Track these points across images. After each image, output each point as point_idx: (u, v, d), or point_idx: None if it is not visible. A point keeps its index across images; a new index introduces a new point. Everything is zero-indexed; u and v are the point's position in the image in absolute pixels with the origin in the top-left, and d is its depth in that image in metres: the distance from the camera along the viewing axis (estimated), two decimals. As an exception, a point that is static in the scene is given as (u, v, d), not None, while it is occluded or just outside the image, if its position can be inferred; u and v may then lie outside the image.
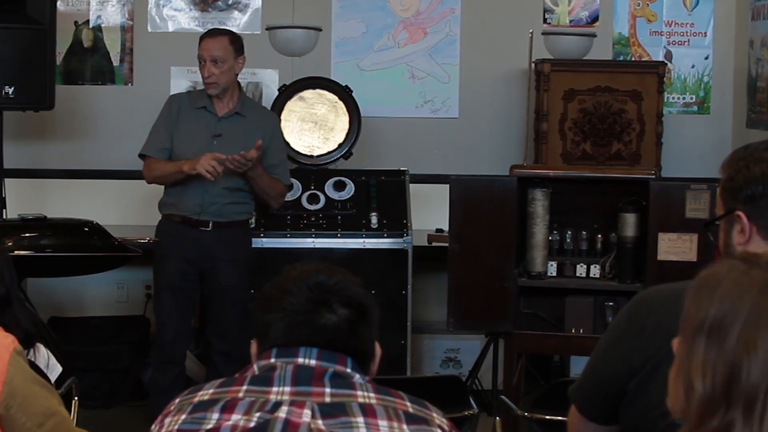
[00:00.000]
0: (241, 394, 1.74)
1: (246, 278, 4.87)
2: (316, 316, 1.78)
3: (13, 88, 4.99)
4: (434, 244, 5.46)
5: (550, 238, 4.21)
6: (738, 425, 1.28)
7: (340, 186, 5.42)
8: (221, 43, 4.76)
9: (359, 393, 1.74)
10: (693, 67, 6.26)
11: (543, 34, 5.81)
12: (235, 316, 4.82)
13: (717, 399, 1.30)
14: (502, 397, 3.75)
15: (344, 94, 5.58)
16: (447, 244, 4.37)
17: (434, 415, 1.77)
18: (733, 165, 2.06)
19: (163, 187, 4.89)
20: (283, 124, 5.50)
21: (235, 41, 4.81)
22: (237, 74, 4.85)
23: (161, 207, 4.89)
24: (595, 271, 4.20)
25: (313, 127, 5.57)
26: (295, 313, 1.79)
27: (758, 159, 2.03)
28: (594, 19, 6.23)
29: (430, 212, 5.71)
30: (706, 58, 6.25)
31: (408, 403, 1.76)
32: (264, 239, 5.22)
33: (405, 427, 1.71)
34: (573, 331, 4.20)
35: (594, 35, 5.84)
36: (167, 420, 1.77)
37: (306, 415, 1.70)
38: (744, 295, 1.33)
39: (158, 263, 4.88)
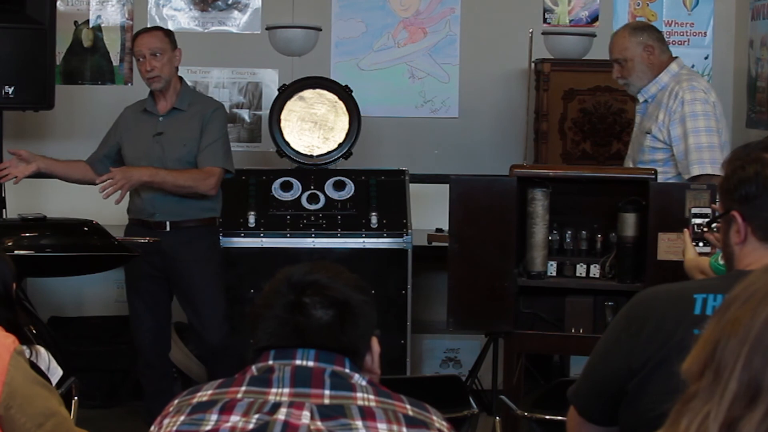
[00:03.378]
0: (239, 395, 1.74)
1: (214, 276, 4.83)
2: (293, 319, 1.79)
3: (13, 88, 4.99)
4: (434, 243, 5.46)
5: (549, 237, 4.21)
6: (700, 398, 1.29)
7: (339, 186, 5.42)
8: (156, 36, 4.81)
9: (359, 395, 1.74)
10: (693, 66, 6.26)
11: (543, 34, 5.81)
12: (211, 314, 4.79)
13: (698, 370, 1.31)
14: (502, 397, 3.74)
15: (344, 93, 5.58)
16: (447, 244, 4.37)
17: (434, 418, 1.77)
18: (729, 165, 2.07)
19: None
20: (283, 124, 5.51)
21: (169, 34, 4.86)
22: (177, 67, 4.85)
23: (127, 211, 4.92)
24: (595, 270, 4.20)
25: (312, 127, 5.58)
26: (274, 317, 1.80)
27: (754, 159, 2.03)
28: (594, 18, 6.23)
29: (430, 212, 5.71)
30: (706, 58, 6.25)
31: (408, 406, 1.76)
32: (264, 239, 5.22)
33: (405, 430, 1.71)
34: (573, 331, 4.20)
35: (594, 35, 5.84)
36: (165, 421, 1.77)
37: (305, 416, 1.70)
38: (756, 282, 1.33)
39: (126, 269, 4.89)
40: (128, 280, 4.91)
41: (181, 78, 4.90)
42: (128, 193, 4.81)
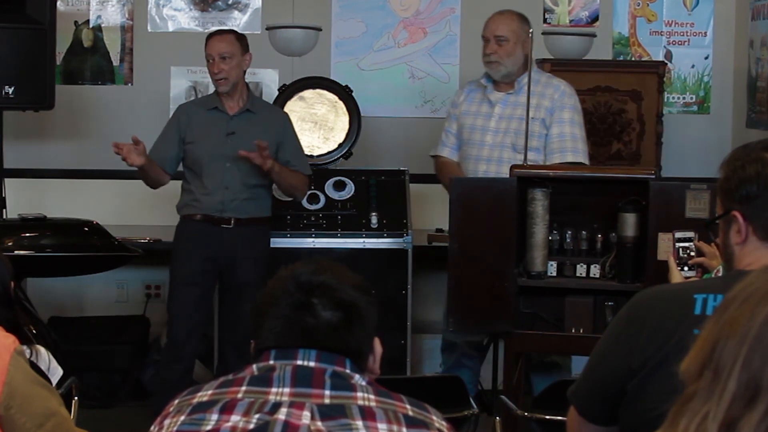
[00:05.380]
0: (240, 395, 1.74)
1: (263, 275, 4.90)
2: (301, 319, 1.78)
3: (13, 88, 4.99)
4: (434, 244, 5.46)
5: (549, 237, 4.21)
6: (699, 398, 1.29)
7: (340, 186, 5.42)
8: (227, 39, 4.88)
9: (359, 395, 1.74)
10: (693, 67, 6.26)
11: (543, 34, 5.81)
12: (247, 311, 4.84)
13: (696, 371, 1.31)
14: (502, 397, 3.74)
15: (344, 93, 5.58)
16: (447, 244, 4.37)
17: (434, 418, 1.77)
18: (729, 165, 2.07)
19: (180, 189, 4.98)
20: (283, 124, 5.52)
21: (241, 39, 4.94)
22: (245, 71, 4.96)
23: (181, 208, 4.95)
24: (595, 270, 4.20)
25: (313, 127, 5.58)
26: (281, 317, 1.80)
27: (754, 159, 2.03)
28: (594, 19, 6.23)
29: (430, 212, 5.72)
30: (706, 58, 6.25)
31: (408, 406, 1.76)
32: (264, 239, 5.22)
33: (405, 430, 1.71)
34: (573, 331, 4.19)
35: (594, 35, 5.84)
36: (166, 422, 1.77)
37: (305, 416, 1.69)
38: (755, 282, 1.33)
39: (177, 261, 4.90)
40: (178, 274, 4.89)
41: (246, 83, 5.00)
42: (187, 191, 4.90)
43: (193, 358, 4.99)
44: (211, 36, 4.94)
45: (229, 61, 4.83)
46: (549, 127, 4.80)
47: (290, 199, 5.18)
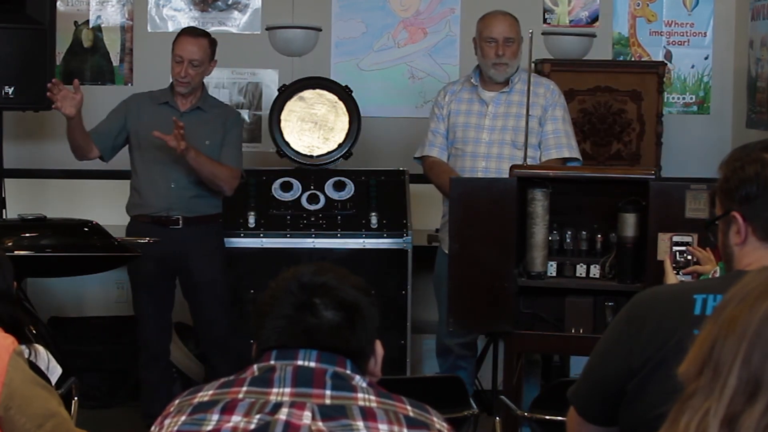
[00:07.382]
0: (241, 395, 1.74)
1: (222, 271, 4.92)
2: (303, 319, 1.79)
3: (13, 88, 4.99)
4: (434, 244, 5.46)
5: (549, 238, 4.21)
6: (699, 396, 1.30)
7: (339, 186, 5.42)
8: (201, 46, 4.83)
9: (360, 396, 1.74)
10: (693, 67, 6.26)
11: (543, 34, 5.81)
12: (218, 309, 4.88)
13: (696, 371, 1.32)
14: (502, 397, 3.74)
15: (344, 94, 5.58)
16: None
17: (434, 419, 1.77)
18: (729, 165, 2.07)
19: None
20: (283, 124, 5.51)
21: (213, 44, 4.90)
22: (206, 76, 4.94)
23: (129, 209, 4.94)
24: (595, 271, 4.20)
25: (313, 127, 5.57)
26: (283, 317, 1.80)
27: (754, 159, 2.03)
28: (594, 19, 6.23)
29: (430, 212, 5.71)
30: (706, 58, 6.25)
31: (408, 407, 1.76)
32: (264, 239, 5.23)
33: (405, 431, 1.71)
34: (573, 331, 4.19)
35: (594, 35, 5.84)
36: (167, 422, 1.77)
37: (306, 417, 1.70)
38: (751, 282, 1.34)
39: (132, 265, 4.91)
40: (134, 277, 4.94)
41: (202, 82, 4.98)
42: (133, 190, 4.88)
43: (168, 355, 5.04)
44: (185, 35, 4.87)
45: (197, 68, 4.81)
46: (543, 124, 4.85)
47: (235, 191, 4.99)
